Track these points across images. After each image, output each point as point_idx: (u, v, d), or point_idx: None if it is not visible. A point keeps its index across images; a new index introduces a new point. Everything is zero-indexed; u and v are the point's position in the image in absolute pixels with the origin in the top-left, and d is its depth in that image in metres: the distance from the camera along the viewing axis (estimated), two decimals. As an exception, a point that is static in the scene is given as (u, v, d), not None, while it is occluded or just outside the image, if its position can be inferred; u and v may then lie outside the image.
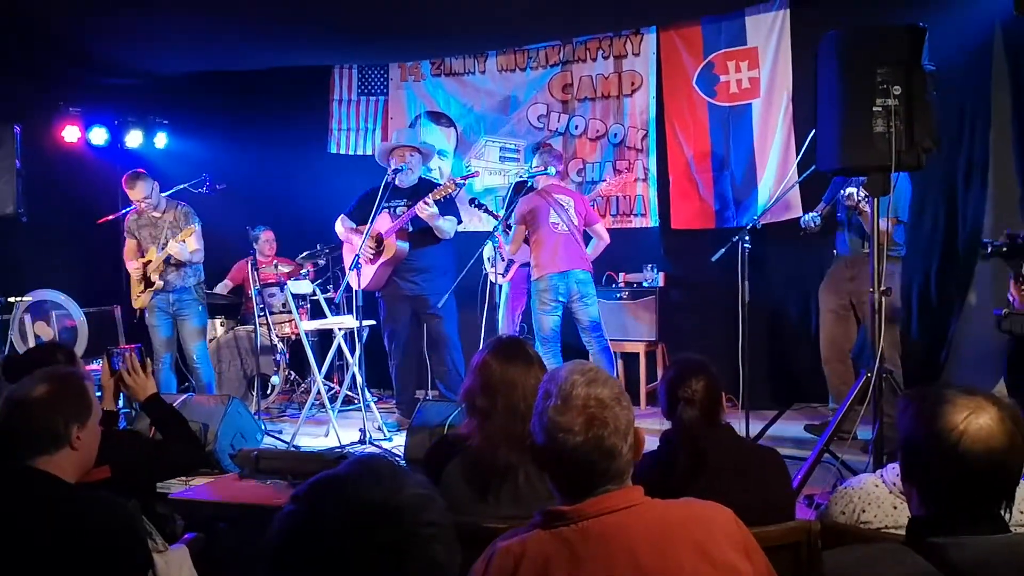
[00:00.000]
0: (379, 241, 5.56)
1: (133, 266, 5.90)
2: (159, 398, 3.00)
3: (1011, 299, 4.38)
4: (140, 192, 5.76)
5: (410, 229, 5.56)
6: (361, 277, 5.43)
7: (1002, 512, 1.54)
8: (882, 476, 2.11)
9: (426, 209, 5.35)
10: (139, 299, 5.93)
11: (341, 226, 5.77)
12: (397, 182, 5.52)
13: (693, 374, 2.46)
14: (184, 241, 5.72)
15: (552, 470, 1.62)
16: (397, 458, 4.60)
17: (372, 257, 5.57)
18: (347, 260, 5.74)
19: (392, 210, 5.61)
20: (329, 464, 3.24)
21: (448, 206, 5.61)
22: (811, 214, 5.17)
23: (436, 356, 5.78)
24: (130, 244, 6.00)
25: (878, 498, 2.05)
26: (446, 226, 5.53)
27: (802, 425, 5.31)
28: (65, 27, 6.00)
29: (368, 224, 5.37)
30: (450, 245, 5.72)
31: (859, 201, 4.73)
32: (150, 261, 5.83)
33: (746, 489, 2.15)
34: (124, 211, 6.25)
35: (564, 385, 1.60)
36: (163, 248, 5.76)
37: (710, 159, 6.37)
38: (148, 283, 5.84)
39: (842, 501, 2.10)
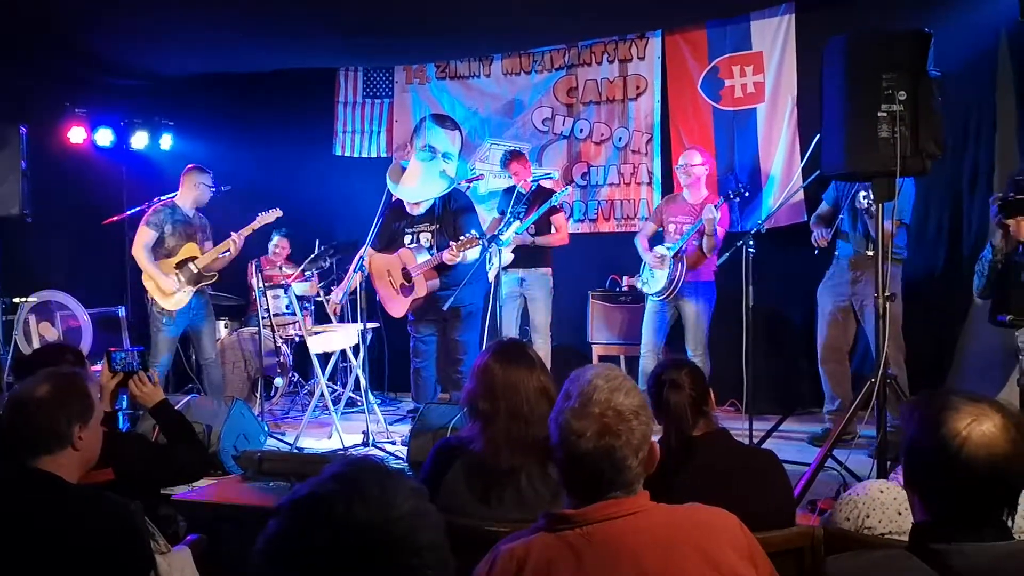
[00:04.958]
0: (408, 276, 5.45)
1: (172, 271, 5.69)
2: (168, 404, 3.01)
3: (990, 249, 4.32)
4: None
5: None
6: (395, 308, 5.54)
7: (1005, 519, 1.54)
8: (893, 478, 2.10)
9: (454, 259, 5.24)
10: (173, 297, 5.67)
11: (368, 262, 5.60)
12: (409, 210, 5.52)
13: (677, 364, 2.52)
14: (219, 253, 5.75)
15: (563, 469, 1.62)
16: (400, 460, 4.60)
17: (403, 289, 5.49)
18: (380, 292, 5.67)
19: (415, 236, 5.51)
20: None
21: (470, 221, 5.48)
22: (820, 229, 5.12)
23: (451, 363, 5.55)
24: (149, 235, 5.68)
25: (883, 504, 2.04)
26: (471, 257, 5.36)
27: (805, 429, 5.30)
28: (71, 28, 6.02)
29: (381, 243, 5.46)
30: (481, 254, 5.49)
31: (870, 205, 4.72)
32: (195, 257, 5.72)
33: (743, 493, 2.15)
34: (130, 211, 6.21)
35: (586, 388, 1.58)
36: (206, 251, 5.75)
37: (714, 163, 6.36)
38: (195, 279, 5.72)
39: (846, 508, 2.10)
